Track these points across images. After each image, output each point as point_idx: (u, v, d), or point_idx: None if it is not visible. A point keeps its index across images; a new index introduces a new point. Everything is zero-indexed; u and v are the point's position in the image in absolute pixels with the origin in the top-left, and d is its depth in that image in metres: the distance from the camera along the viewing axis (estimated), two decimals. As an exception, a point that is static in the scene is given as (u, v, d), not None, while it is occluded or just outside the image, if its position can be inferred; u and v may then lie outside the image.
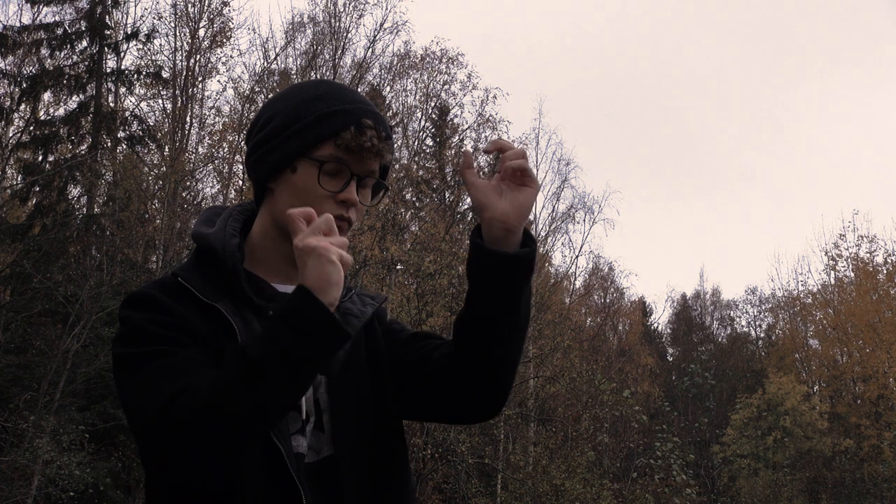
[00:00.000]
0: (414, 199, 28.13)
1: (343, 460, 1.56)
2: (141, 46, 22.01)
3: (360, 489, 1.57)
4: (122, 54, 21.90)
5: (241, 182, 23.06)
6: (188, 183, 22.85)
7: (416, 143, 29.00)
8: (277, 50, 26.02)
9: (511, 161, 1.53)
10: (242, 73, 31.01)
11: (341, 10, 25.69)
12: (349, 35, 25.61)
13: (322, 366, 1.41)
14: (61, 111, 20.87)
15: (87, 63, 20.70)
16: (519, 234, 1.54)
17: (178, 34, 23.72)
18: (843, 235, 35.04)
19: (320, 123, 1.59)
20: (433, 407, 1.69)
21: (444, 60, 26.86)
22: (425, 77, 27.33)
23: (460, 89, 27.49)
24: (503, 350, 1.58)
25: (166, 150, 22.20)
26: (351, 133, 1.58)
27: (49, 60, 20.22)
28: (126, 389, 1.48)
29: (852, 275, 34.77)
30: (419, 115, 28.61)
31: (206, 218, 1.70)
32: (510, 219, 1.52)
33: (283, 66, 25.90)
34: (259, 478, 1.49)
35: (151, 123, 22.58)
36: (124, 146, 21.54)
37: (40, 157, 20.32)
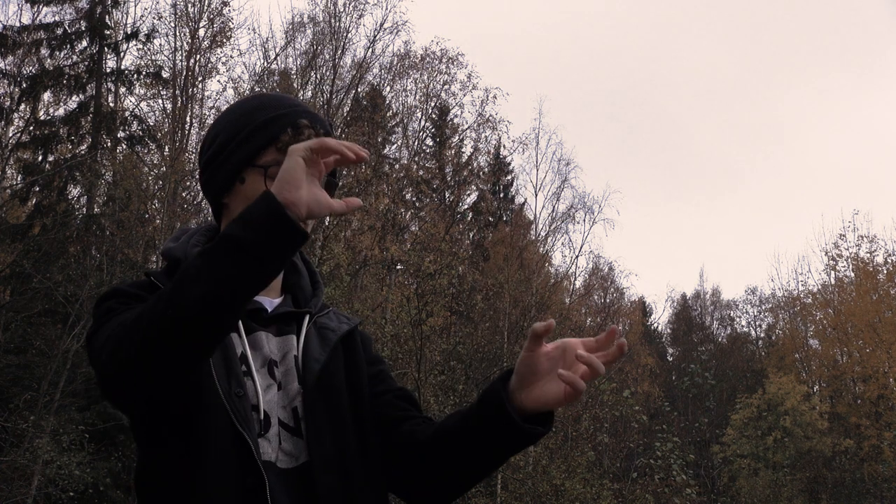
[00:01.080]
0: (414, 199, 28.14)
1: (317, 467, 1.59)
2: (141, 46, 22.02)
3: (335, 497, 1.59)
4: (122, 54, 21.91)
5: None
6: (188, 183, 22.83)
7: (416, 143, 29.01)
8: (277, 50, 26.04)
9: (597, 365, 1.49)
10: (242, 73, 30.99)
11: (341, 10, 25.68)
12: (349, 35, 25.60)
13: (276, 262, 1.39)
14: (61, 111, 20.90)
15: (87, 63, 20.71)
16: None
17: (178, 34, 23.73)
18: (843, 235, 35.08)
19: (259, 132, 1.65)
20: (392, 480, 1.73)
21: (444, 60, 26.85)
22: (425, 77, 27.33)
23: (460, 89, 27.48)
24: (468, 480, 1.65)
25: (166, 150, 22.20)
26: (288, 135, 1.63)
27: (49, 60, 20.23)
28: (90, 350, 1.55)
29: (852, 275, 34.77)
30: (419, 115, 28.64)
31: (174, 236, 1.78)
32: (540, 404, 1.53)
33: (283, 66, 25.93)
34: (229, 467, 1.53)
35: (151, 123, 22.58)
36: (124, 146, 21.54)
37: (40, 157, 20.32)
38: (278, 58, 25.87)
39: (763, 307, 43.45)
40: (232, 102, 1.64)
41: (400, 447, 1.68)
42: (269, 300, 1.72)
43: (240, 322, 1.63)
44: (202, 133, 23.89)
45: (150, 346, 1.39)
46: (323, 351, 1.68)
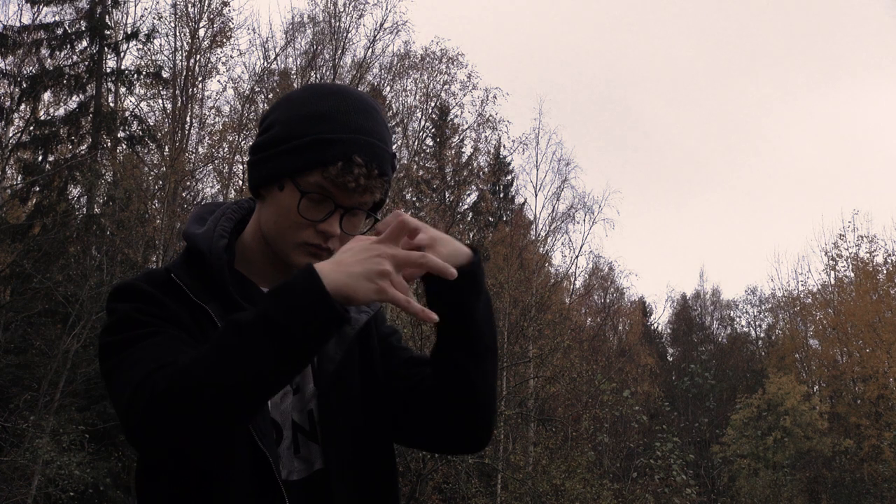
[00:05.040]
0: (414, 199, 28.14)
1: (333, 474, 1.55)
2: (141, 46, 22.04)
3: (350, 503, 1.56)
4: (122, 54, 21.93)
5: (240, 182, 23.08)
6: (188, 183, 22.85)
7: (416, 143, 29.00)
8: (277, 50, 26.06)
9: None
10: (242, 73, 30.99)
11: (341, 10, 25.71)
12: (349, 35, 25.63)
13: (314, 347, 1.34)
14: (61, 111, 20.90)
15: (87, 63, 20.70)
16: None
17: (178, 34, 23.74)
18: (843, 235, 35.05)
19: (310, 149, 1.52)
20: (420, 437, 1.68)
21: (444, 60, 26.86)
22: (425, 77, 27.34)
23: (460, 89, 27.49)
24: (468, 373, 1.56)
25: (166, 150, 22.21)
26: (338, 169, 1.51)
27: (49, 60, 20.23)
28: (110, 374, 1.46)
29: (852, 275, 34.78)
30: (419, 115, 28.63)
31: (198, 216, 1.66)
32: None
33: (283, 66, 25.94)
34: (246, 485, 1.49)
35: (151, 123, 22.59)
36: (124, 146, 21.55)
37: (40, 157, 20.33)
38: (278, 58, 25.90)
39: (763, 307, 43.49)
40: (308, 86, 1.50)
41: (422, 407, 1.62)
42: None
43: None
44: (202, 133, 23.92)
45: (185, 415, 1.33)
46: (339, 349, 1.61)
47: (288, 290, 1.33)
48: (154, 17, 23.37)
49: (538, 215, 30.77)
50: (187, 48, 23.62)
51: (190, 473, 1.49)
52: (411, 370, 1.67)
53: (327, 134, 1.53)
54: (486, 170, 31.05)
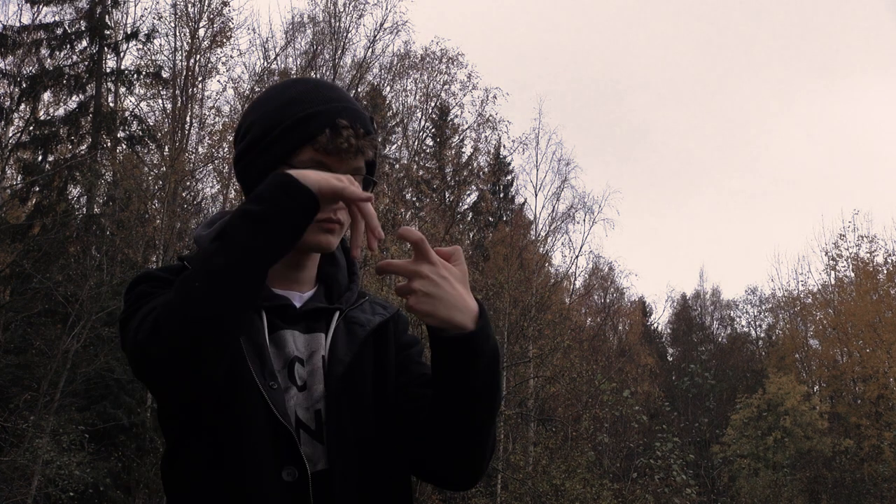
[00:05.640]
0: (414, 199, 28.14)
1: (336, 477, 1.54)
2: (141, 46, 22.04)
3: None
4: (122, 54, 21.94)
5: (241, 182, 23.06)
6: (188, 183, 22.85)
7: (416, 143, 28.99)
8: (277, 50, 26.05)
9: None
10: (242, 73, 30.95)
11: (341, 10, 25.70)
12: (349, 35, 25.62)
13: (289, 227, 1.42)
14: (61, 111, 20.90)
15: (86, 63, 20.70)
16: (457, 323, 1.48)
17: (178, 34, 23.73)
18: (843, 235, 35.05)
19: (295, 129, 1.58)
20: (411, 463, 1.65)
21: (444, 60, 26.83)
22: (425, 77, 27.32)
23: (460, 89, 27.43)
24: (454, 425, 1.54)
25: (166, 150, 22.20)
26: (326, 136, 1.56)
27: (49, 60, 20.22)
28: (125, 336, 1.52)
29: (852, 275, 34.78)
30: (419, 115, 28.62)
31: (210, 220, 1.71)
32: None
33: (283, 66, 25.91)
34: (268, 460, 1.51)
35: (151, 123, 22.59)
36: (124, 146, 21.55)
37: (40, 157, 20.33)
38: (278, 58, 25.89)
39: (763, 307, 43.48)
40: (269, 86, 1.57)
41: (418, 437, 1.60)
42: (299, 294, 1.65)
43: (264, 320, 1.58)
44: (202, 133, 23.91)
45: (187, 321, 1.37)
46: (349, 350, 1.62)
47: (257, 189, 1.46)
48: (154, 17, 23.37)
49: (538, 215, 30.78)
50: (187, 48, 23.62)
51: (210, 454, 1.51)
52: (420, 390, 1.64)
53: (305, 110, 1.59)
54: (486, 170, 31.03)
